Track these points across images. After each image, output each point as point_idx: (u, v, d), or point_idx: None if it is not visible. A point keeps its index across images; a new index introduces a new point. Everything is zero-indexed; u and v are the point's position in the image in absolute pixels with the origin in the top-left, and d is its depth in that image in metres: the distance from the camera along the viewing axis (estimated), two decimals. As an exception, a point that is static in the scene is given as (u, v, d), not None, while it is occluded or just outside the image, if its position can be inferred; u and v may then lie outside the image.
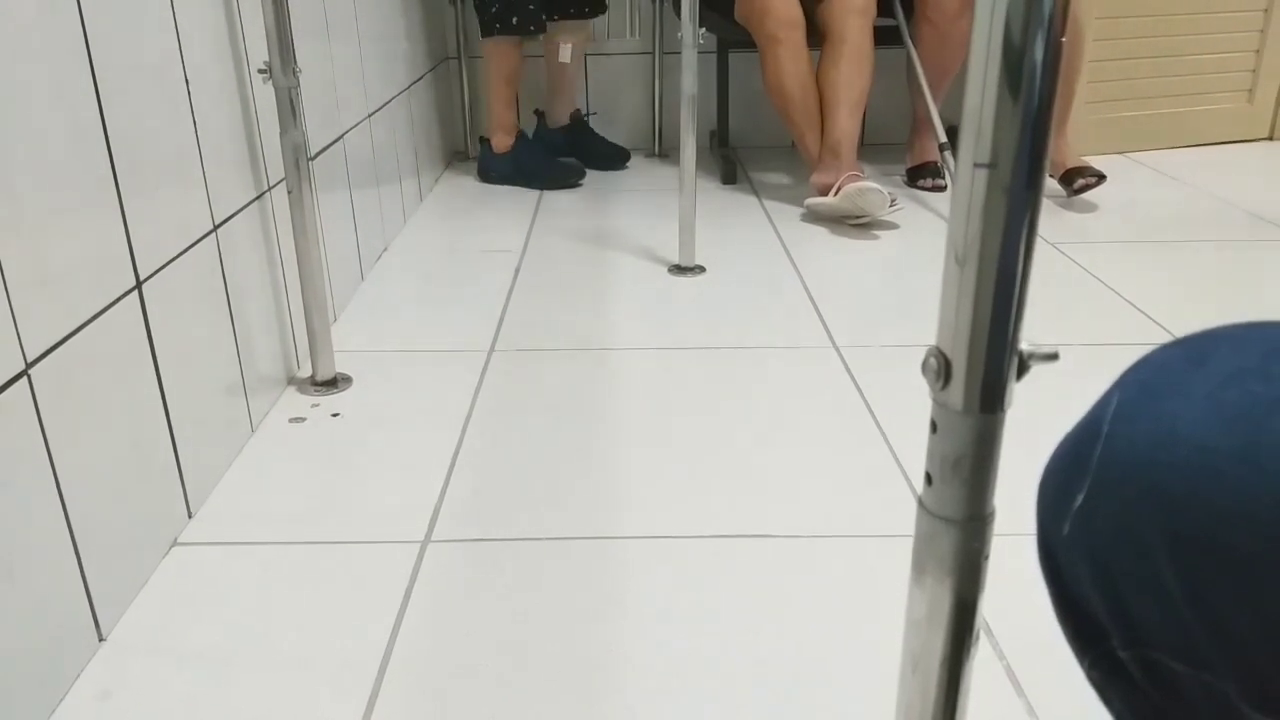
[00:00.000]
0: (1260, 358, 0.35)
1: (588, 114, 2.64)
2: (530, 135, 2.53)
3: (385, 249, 1.99)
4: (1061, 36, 0.36)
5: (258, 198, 1.30)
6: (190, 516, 1.09)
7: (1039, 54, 0.35)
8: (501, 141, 2.45)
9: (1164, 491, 0.35)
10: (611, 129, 2.77)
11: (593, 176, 2.53)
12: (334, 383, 1.40)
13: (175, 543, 1.05)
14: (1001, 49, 0.36)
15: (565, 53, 2.41)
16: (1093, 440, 0.38)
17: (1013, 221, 0.38)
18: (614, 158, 2.61)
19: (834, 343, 1.53)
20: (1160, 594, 0.36)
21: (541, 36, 2.34)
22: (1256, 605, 0.33)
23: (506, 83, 2.39)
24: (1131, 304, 1.66)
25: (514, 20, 2.27)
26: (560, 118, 2.59)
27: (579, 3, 2.43)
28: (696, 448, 1.24)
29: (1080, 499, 0.38)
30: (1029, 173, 0.37)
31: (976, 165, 0.37)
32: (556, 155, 2.53)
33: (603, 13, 2.49)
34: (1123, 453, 0.37)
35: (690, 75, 1.75)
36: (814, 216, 2.17)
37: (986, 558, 0.44)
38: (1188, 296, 1.71)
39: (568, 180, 2.45)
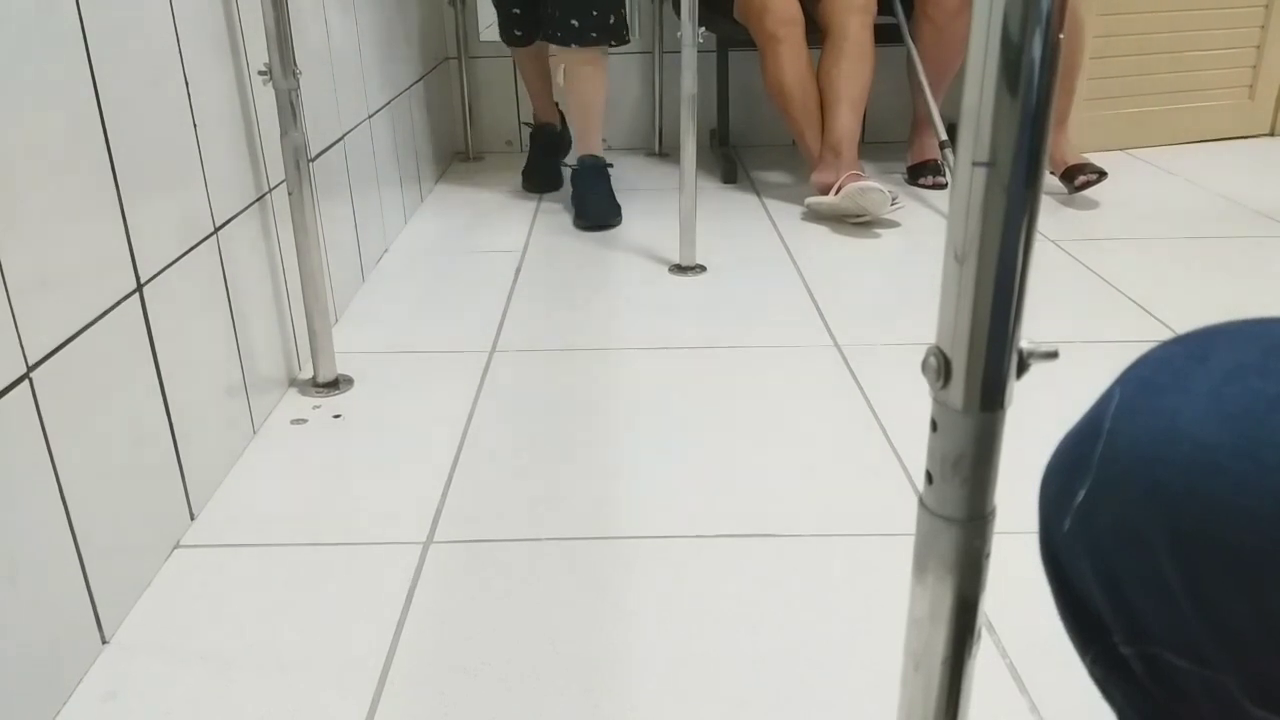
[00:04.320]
0: (1261, 354, 0.35)
1: (609, 164, 2.23)
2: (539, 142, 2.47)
3: (386, 250, 1.99)
4: (1059, 33, 0.35)
5: (258, 199, 1.30)
6: (192, 518, 1.09)
7: (1037, 51, 0.35)
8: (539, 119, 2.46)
9: (1165, 488, 0.35)
10: (613, 129, 2.77)
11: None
12: (335, 384, 1.40)
13: (178, 545, 1.05)
14: (1000, 46, 0.36)
15: (558, 74, 2.16)
16: (1094, 437, 0.38)
17: (1012, 219, 0.38)
18: (602, 215, 2.14)
19: (835, 341, 1.53)
20: (1162, 590, 0.36)
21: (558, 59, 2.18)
22: (1257, 601, 0.33)
23: (525, 81, 2.43)
24: (1133, 301, 1.66)
25: (501, 33, 2.27)
26: (572, 155, 2.27)
27: (567, 30, 2.07)
28: (698, 447, 1.24)
29: (1082, 496, 0.38)
30: (1028, 170, 0.37)
31: (975, 163, 0.37)
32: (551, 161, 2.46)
33: (596, 44, 2.08)
34: (1124, 450, 0.37)
35: (690, 74, 1.75)
36: (815, 215, 2.17)
37: (988, 556, 0.44)
38: (1189, 293, 1.71)
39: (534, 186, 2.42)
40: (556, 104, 2.47)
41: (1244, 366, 0.35)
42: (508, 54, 2.65)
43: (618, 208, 2.18)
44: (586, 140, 2.23)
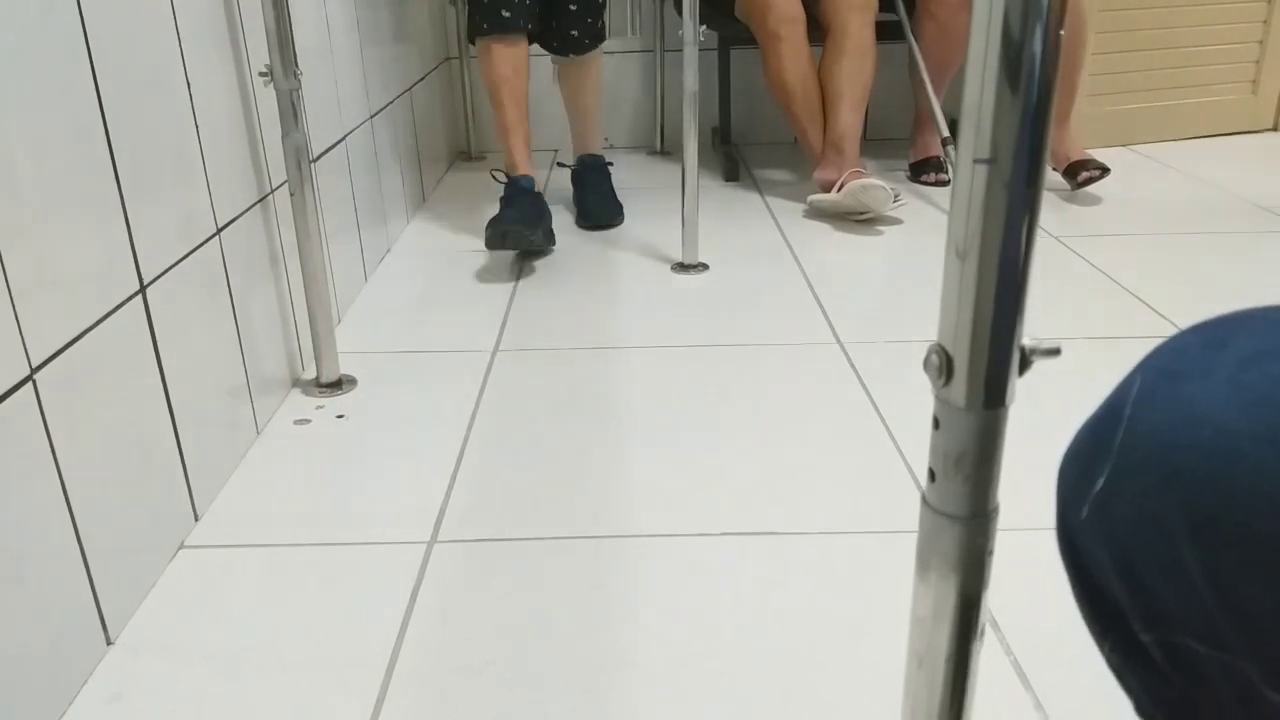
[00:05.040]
0: (1279, 340, 0.35)
1: (608, 163, 2.21)
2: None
3: (388, 250, 1.99)
4: (1060, 30, 0.35)
5: (260, 200, 1.30)
6: (196, 519, 1.10)
7: (1038, 47, 0.35)
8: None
9: (1185, 474, 0.35)
10: (614, 128, 2.77)
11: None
12: (338, 384, 1.40)
13: (182, 545, 1.05)
14: (1001, 42, 0.36)
15: (552, 73, 2.15)
16: (1114, 424, 0.38)
17: (1013, 216, 0.38)
18: (604, 214, 2.13)
19: (838, 339, 1.53)
20: (1181, 577, 0.35)
21: (556, 67, 2.12)
22: (1277, 587, 0.33)
23: (500, 115, 1.98)
24: (1135, 297, 1.66)
25: (478, 23, 1.93)
26: (573, 155, 2.23)
27: (565, 40, 2.06)
28: (700, 445, 1.24)
29: (1101, 483, 0.38)
30: (1029, 167, 0.37)
31: (976, 160, 0.37)
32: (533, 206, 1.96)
33: (578, 52, 2.08)
34: (1144, 436, 0.37)
35: (692, 72, 1.75)
36: (817, 213, 2.17)
37: (991, 553, 0.44)
38: (1192, 289, 1.71)
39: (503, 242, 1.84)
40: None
41: (1262, 353, 0.35)
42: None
43: (619, 207, 2.18)
44: (587, 140, 2.23)
